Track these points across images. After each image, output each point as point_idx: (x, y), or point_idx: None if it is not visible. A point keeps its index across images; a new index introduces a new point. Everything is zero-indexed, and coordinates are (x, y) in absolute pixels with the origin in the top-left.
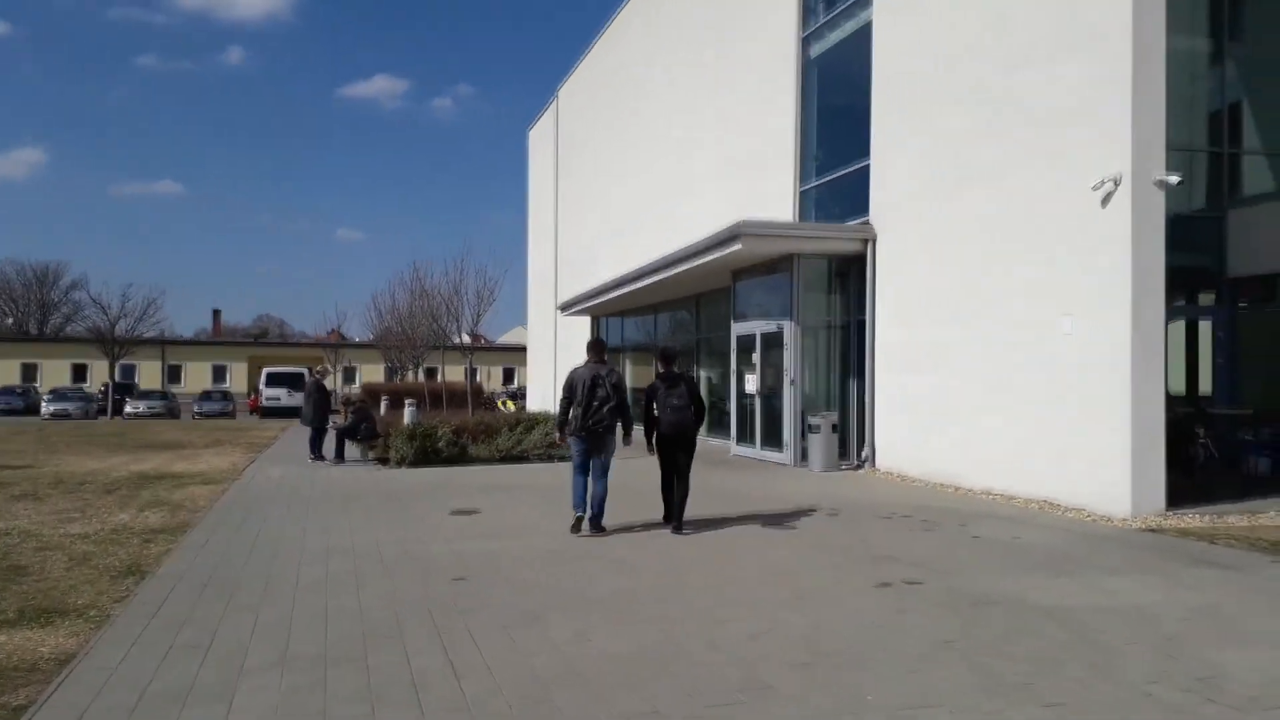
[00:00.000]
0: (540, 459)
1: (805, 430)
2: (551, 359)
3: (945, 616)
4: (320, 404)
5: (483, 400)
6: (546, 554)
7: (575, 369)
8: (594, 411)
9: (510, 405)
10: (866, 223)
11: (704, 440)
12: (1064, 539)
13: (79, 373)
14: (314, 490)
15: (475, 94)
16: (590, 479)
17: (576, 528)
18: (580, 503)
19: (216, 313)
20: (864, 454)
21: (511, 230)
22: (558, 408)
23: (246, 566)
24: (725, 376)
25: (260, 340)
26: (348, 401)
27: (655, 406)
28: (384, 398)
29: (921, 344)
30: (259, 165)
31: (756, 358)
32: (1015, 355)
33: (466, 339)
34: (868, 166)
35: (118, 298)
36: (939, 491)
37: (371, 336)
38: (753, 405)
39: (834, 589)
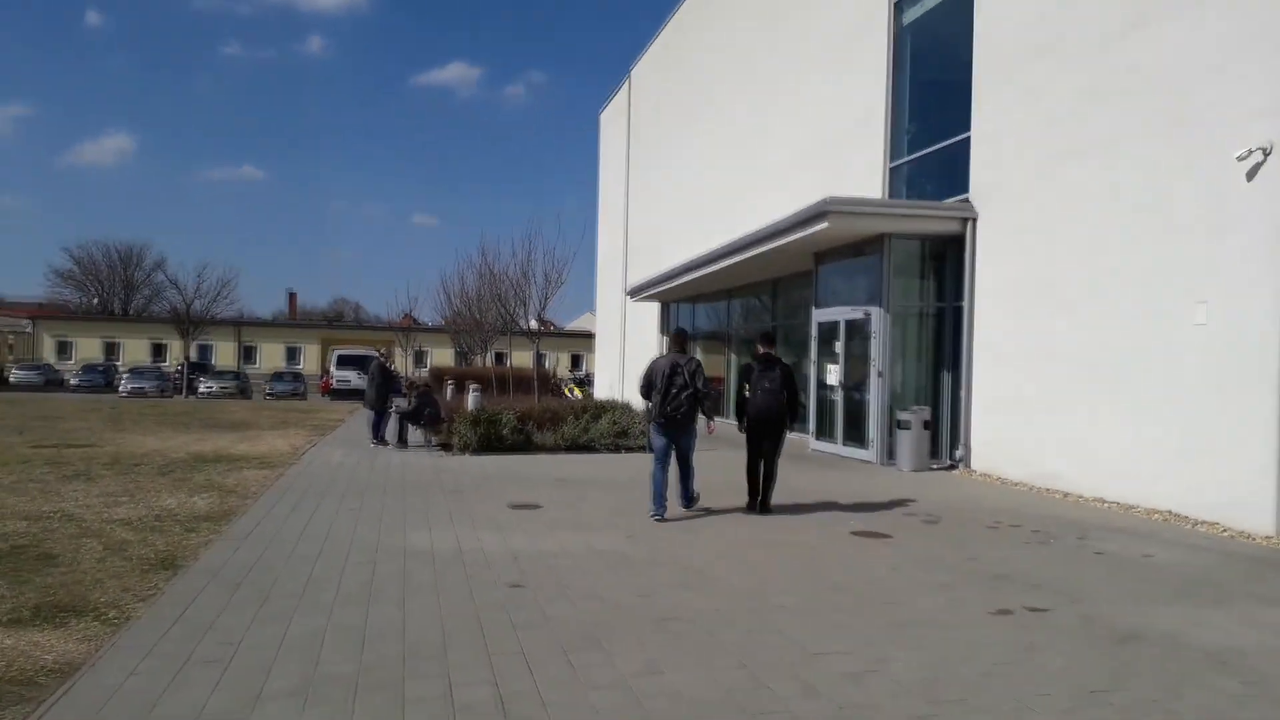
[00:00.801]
0: (608, 449)
1: (894, 426)
2: (620, 345)
3: (1085, 656)
4: (383, 387)
5: (550, 386)
6: (613, 558)
7: (656, 358)
8: (672, 399)
9: (578, 391)
10: (966, 201)
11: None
12: (1203, 559)
13: (158, 351)
14: (371, 477)
15: (548, 81)
16: (676, 467)
17: (661, 515)
18: (659, 501)
19: (292, 295)
20: (958, 453)
21: (581, 217)
22: (640, 396)
23: (287, 565)
24: (802, 366)
25: (334, 323)
26: (412, 385)
27: (748, 388)
28: (449, 381)
29: (1026, 334)
30: (337, 151)
31: (839, 346)
32: (1135, 347)
33: (534, 323)
34: (968, 140)
35: (193, 278)
36: (1044, 497)
37: (440, 320)
38: (834, 397)
39: (945, 616)
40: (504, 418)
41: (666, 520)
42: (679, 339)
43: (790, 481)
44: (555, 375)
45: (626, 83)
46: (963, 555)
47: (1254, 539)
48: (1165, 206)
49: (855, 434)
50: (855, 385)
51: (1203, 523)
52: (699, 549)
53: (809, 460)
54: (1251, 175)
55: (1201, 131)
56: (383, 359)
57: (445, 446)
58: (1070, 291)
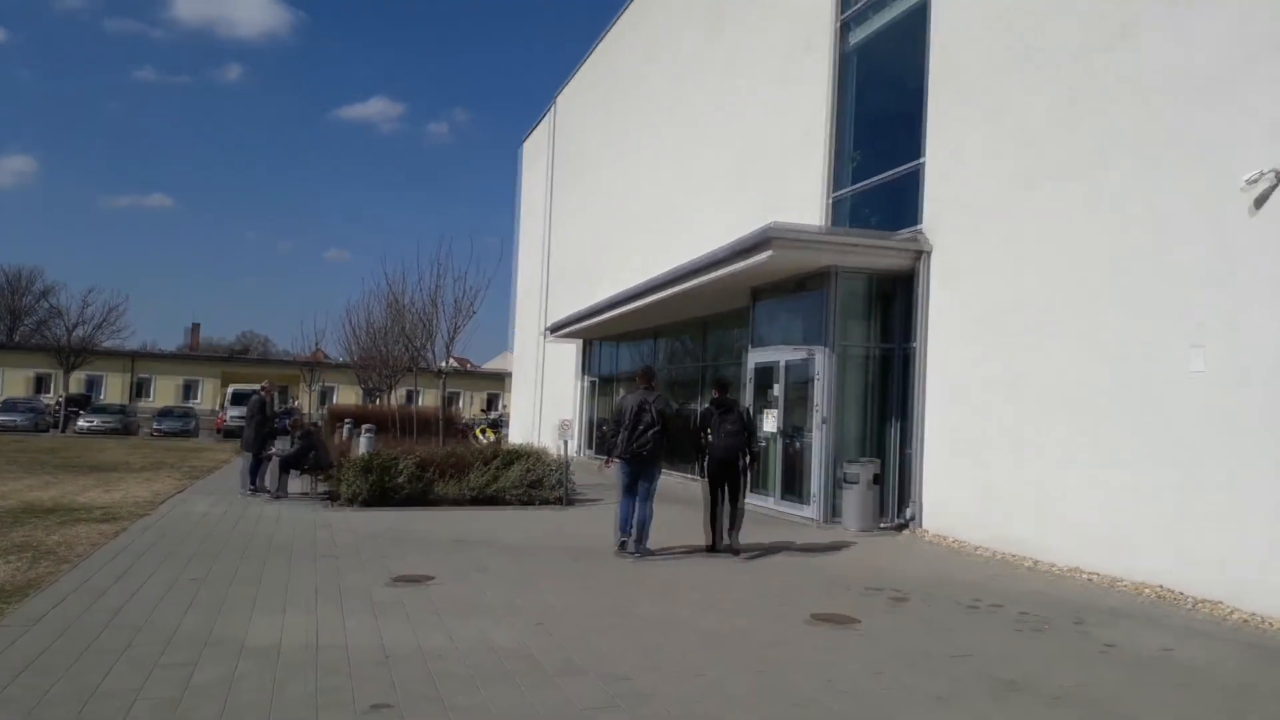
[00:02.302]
0: (518, 501)
1: (840, 481)
2: (537, 386)
3: None
4: (262, 427)
5: (459, 428)
6: (516, 661)
7: (624, 396)
8: (638, 436)
9: (489, 435)
10: (919, 233)
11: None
12: (1230, 656)
13: (40, 383)
14: (233, 535)
15: (472, 119)
16: (636, 502)
17: (622, 551)
18: (625, 527)
19: (194, 326)
20: (908, 512)
21: (500, 252)
22: (609, 432)
23: (73, 669)
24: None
25: (236, 357)
26: (295, 425)
27: (709, 432)
28: (346, 422)
29: (989, 380)
30: (251, 182)
31: (778, 391)
32: (1117, 396)
33: (442, 359)
34: (920, 167)
35: (78, 304)
36: (1012, 566)
37: (343, 357)
38: (770, 448)
39: None
40: (400, 465)
41: (581, 604)
42: (646, 376)
43: (726, 543)
44: (465, 417)
45: (551, 110)
46: (951, 649)
47: (1270, 625)
48: (1156, 237)
49: (794, 488)
50: (795, 434)
51: (1202, 602)
52: (628, 644)
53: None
54: (1261, 202)
55: (1200, 152)
56: (263, 395)
57: (332, 497)
58: (1040, 333)
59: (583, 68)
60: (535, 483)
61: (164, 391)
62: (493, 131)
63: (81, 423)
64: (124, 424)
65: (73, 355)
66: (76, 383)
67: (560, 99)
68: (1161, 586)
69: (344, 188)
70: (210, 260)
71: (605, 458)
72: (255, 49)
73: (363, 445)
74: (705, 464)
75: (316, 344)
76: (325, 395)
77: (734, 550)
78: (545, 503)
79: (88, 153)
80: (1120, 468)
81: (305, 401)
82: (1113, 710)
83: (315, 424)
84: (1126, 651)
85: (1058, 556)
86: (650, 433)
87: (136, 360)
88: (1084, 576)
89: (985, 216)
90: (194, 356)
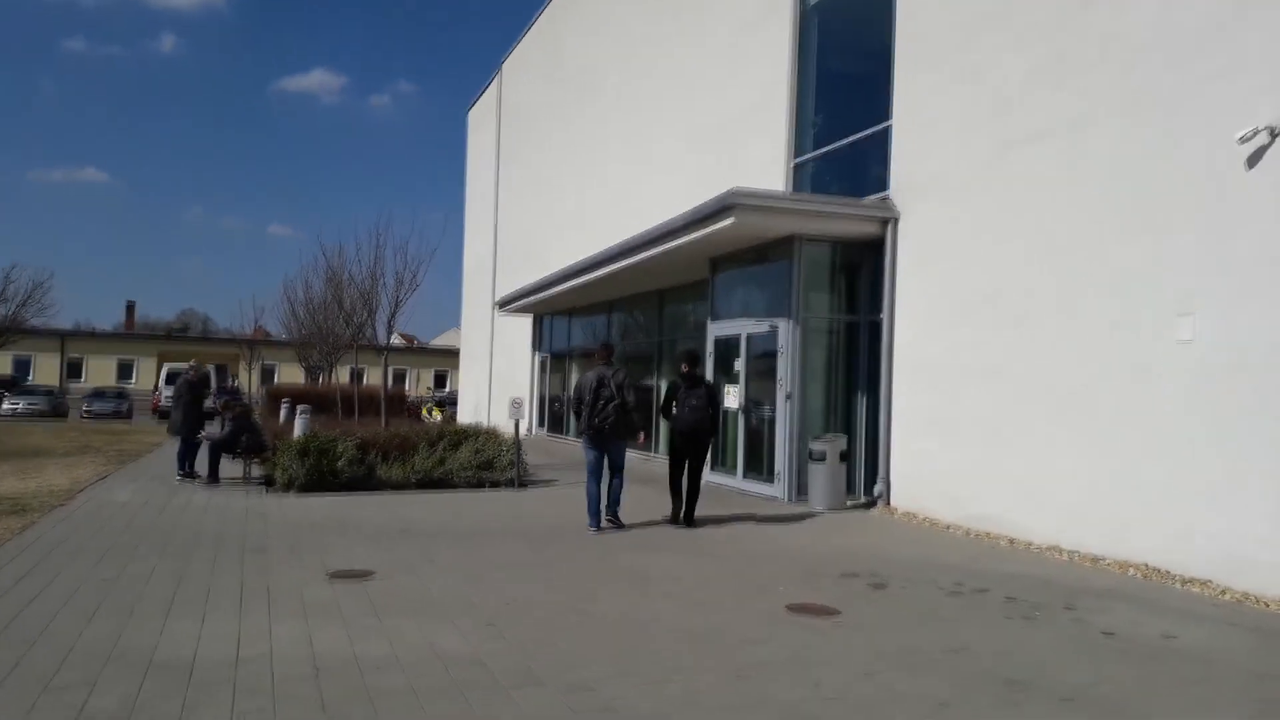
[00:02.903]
0: (468, 484)
1: (806, 457)
2: (487, 363)
3: None
4: (191, 408)
5: (405, 408)
6: (464, 669)
7: (585, 373)
8: (599, 411)
9: (437, 414)
10: (886, 199)
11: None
12: (1242, 640)
13: None
14: (156, 526)
15: (415, 91)
16: (608, 475)
17: (596, 527)
18: (595, 515)
19: (130, 305)
20: (877, 489)
21: (449, 230)
22: (572, 413)
23: None
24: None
25: (175, 335)
26: (226, 406)
27: (675, 405)
28: (285, 401)
29: (961, 350)
30: (189, 157)
31: (740, 365)
32: (1100, 367)
33: (385, 335)
34: (888, 130)
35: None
36: (989, 544)
37: (284, 334)
38: (733, 423)
39: None
40: (340, 447)
41: (546, 600)
42: (605, 352)
43: (690, 528)
44: (411, 396)
45: (497, 77)
46: (942, 643)
47: (1267, 605)
48: (1142, 200)
49: (758, 465)
50: (758, 409)
51: (1192, 580)
52: (591, 646)
53: (705, 495)
54: (1255, 160)
55: (1190, 111)
56: (191, 376)
57: (268, 482)
58: (1017, 302)
59: (530, 33)
60: (486, 464)
61: (100, 372)
62: (438, 103)
63: (5, 405)
64: (53, 406)
65: None
66: (3, 364)
67: (506, 66)
68: (1147, 565)
69: (286, 162)
70: (149, 237)
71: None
72: (190, 19)
73: (298, 427)
74: (670, 438)
75: (256, 321)
76: (268, 374)
77: (690, 524)
78: (497, 485)
79: (15, 126)
80: (1104, 444)
81: (246, 380)
82: (1133, 713)
83: (246, 405)
84: (1128, 640)
85: (1035, 534)
86: (610, 406)
87: (68, 340)
88: (1064, 555)
89: (957, 181)
90: (130, 335)
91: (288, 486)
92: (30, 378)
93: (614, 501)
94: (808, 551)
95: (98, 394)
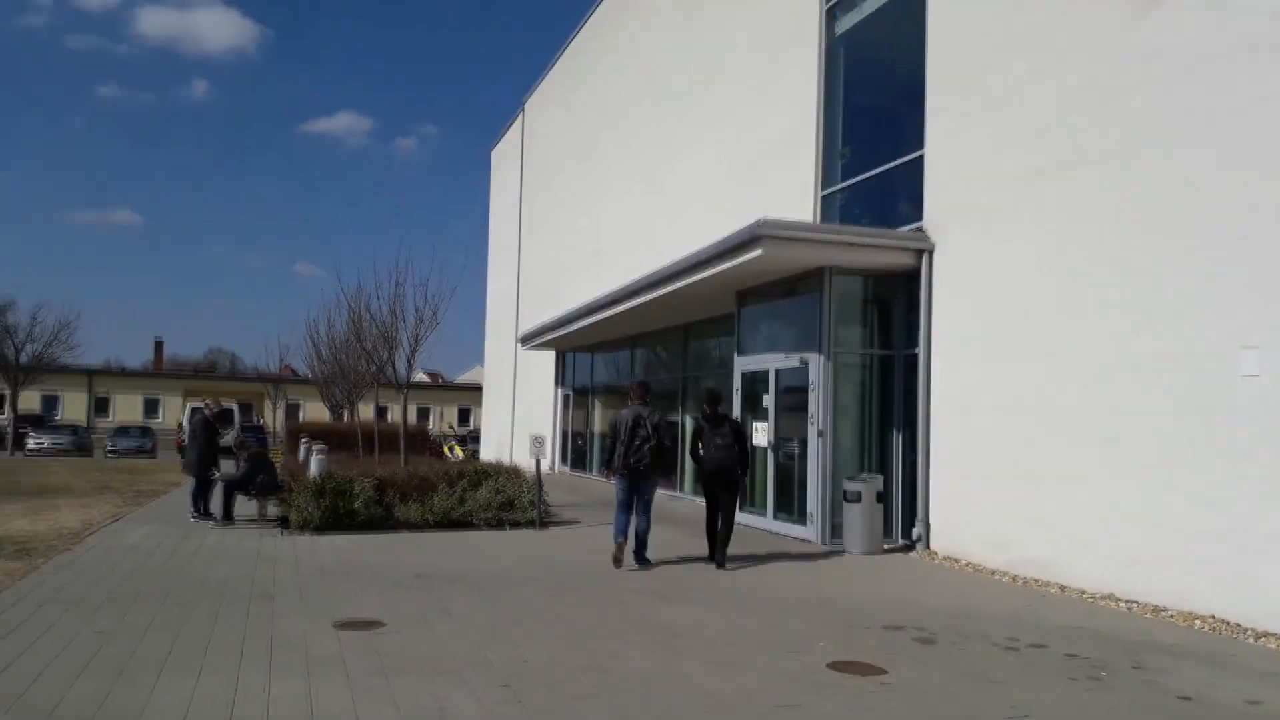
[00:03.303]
0: (488, 524)
1: (840, 498)
2: (510, 399)
3: None
4: (207, 447)
5: (427, 445)
6: None
7: (621, 410)
8: (635, 450)
9: (459, 451)
10: (920, 229)
11: (699, 501)
12: None
13: None
14: (163, 571)
15: (439, 134)
16: (634, 514)
17: (618, 558)
18: (622, 532)
19: (159, 343)
20: (915, 532)
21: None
22: (606, 448)
23: None
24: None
25: (201, 373)
26: (241, 445)
27: (701, 445)
28: (303, 439)
29: (1000, 385)
30: (219, 198)
31: (769, 401)
32: (1150, 402)
33: (406, 371)
34: (920, 159)
35: (26, 320)
36: (1037, 592)
37: (308, 372)
38: (762, 462)
39: None
40: (357, 486)
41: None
42: (641, 390)
43: (714, 574)
44: (436, 432)
45: (520, 116)
46: (1004, 708)
47: None
48: (1192, 226)
49: (788, 505)
50: (788, 446)
51: (1267, 635)
52: (617, 713)
53: (735, 537)
54: None
55: (1244, 132)
56: (208, 412)
57: (284, 522)
58: (1061, 334)
59: (552, 72)
60: (506, 504)
61: (126, 409)
62: (463, 145)
63: (31, 443)
64: (77, 444)
65: (22, 373)
66: (31, 401)
67: (529, 104)
68: (1214, 617)
69: (313, 203)
70: (178, 277)
71: (607, 470)
72: (221, 65)
73: (314, 466)
74: (701, 479)
75: (281, 359)
76: (293, 412)
77: (720, 564)
78: (518, 525)
79: (50, 170)
80: (1160, 486)
81: (270, 418)
82: None
83: (262, 444)
84: (1208, 706)
85: (1088, 581)
86: (646, 447)
87: (95, 378)
88: (1121, 605)
89: (993, 210)
90: (157, 374)
91: (303, 527)
92: (58, 415)
93: (641, 544)
94: (846, 600)
95: (122, 431)
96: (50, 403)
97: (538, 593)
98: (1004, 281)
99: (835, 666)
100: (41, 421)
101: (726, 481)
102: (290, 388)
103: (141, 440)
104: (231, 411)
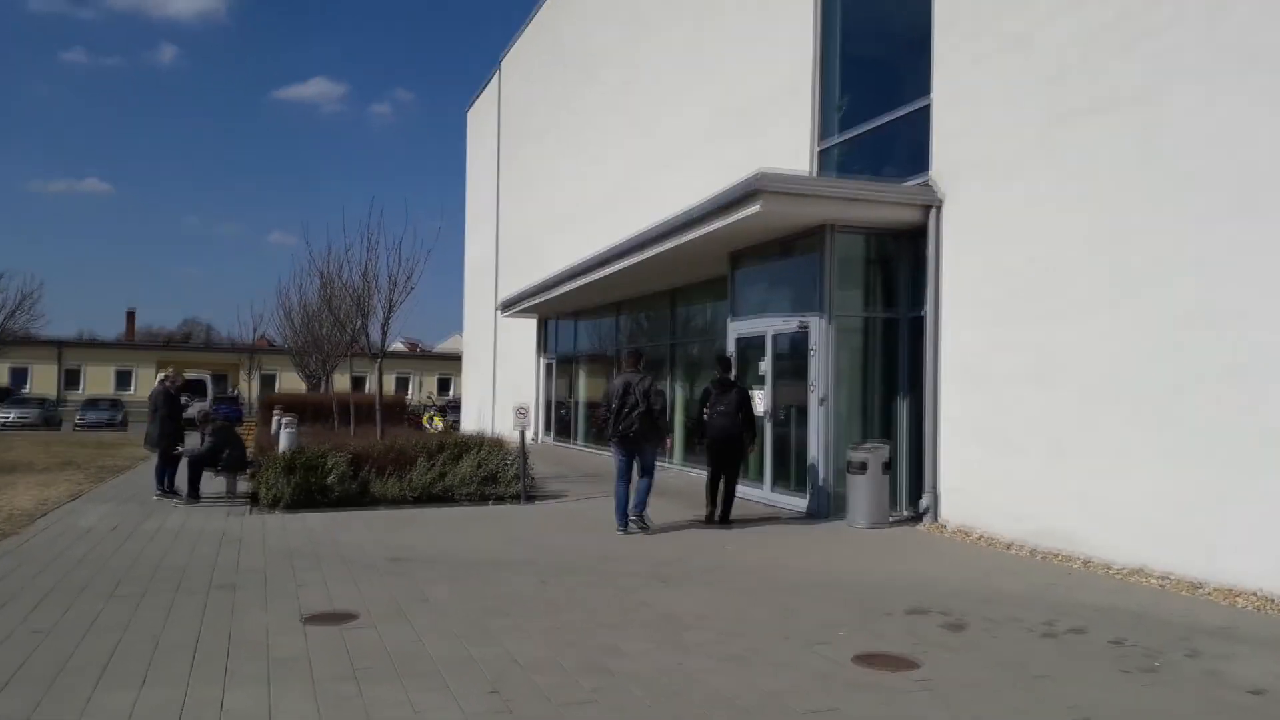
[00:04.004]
0: (470, 499)
1: (844, 468)
2: (490, 368)
3: None
4: (169, 421)
5: (405, 416)
6: None
7: (614, 378)
8: (623, 418)
9: (438, 422)
10: (928, 183)
11: (689, 473)
12: None
13: None
14: (113, 560)
15: (414, 100)
16: (635, 475)
17: (624, 528)
18: (622, 517)
19: (130, 313)
20: (923, 503)
21: (451, 233)
22: (600, 417)
23: None
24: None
25: (175, 344)
26: (206, 418)
27: (706, 411)
28: (276, 410)
29: (1017, 348)
30: (190, 165)
31: (765, 367)
32: (1182, 365)
33: (379, 338)
34: (927, 108)
35: None
36: (1061, 568)
37: (271, 340)
38: (759, 431)
39: None
40: (330, 461)
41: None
42: (633, 358)
43: (708, 544)
44: (415, 403)
45: (496, 74)
46: (1058, 708)
47: None
48: (1233, 175)
49: (786, 476)
50: (786, 415)
51: None
52: None
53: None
54: None
55: None
56: (167, 384)
57: (253, 498)
58: (1084, 292)
59: (530, 26)
60: (490, 477)
61: (98, 381)
62: (439, 111)
63: None
64: (45, 417)
65: None
66: None
67: (506, 62)
68: (1259, 594)
69: (286, 170)
70: (152, 246)
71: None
72: (189, 29)
73: (284, 440)
74: (705, 441)
75: (255, 328)
76: (268, 383)
77: (725, 524)
78: (502, 500)
79: (15, 137)
80: (1193, 453)
81: (246, 390)
82: None
83: (226, 418)
84: None
85: (1115, 554)
86: (635, 413)
87: (66, 349)
88: (1153, 581)
89: (1009, 161)
90: (129, 345)
91: (273, 505)
92: (27, 388)
93: (639, 503)
94: (860, 580)
95: (91, 404)
96: (19, 376)
97: (526, 577)
98: (1023, 236)
99: (862, 660)
100: (8, 394)
101: (731, 449)
102: (266, 358)
103: (111, 413)
104: (204, 382)
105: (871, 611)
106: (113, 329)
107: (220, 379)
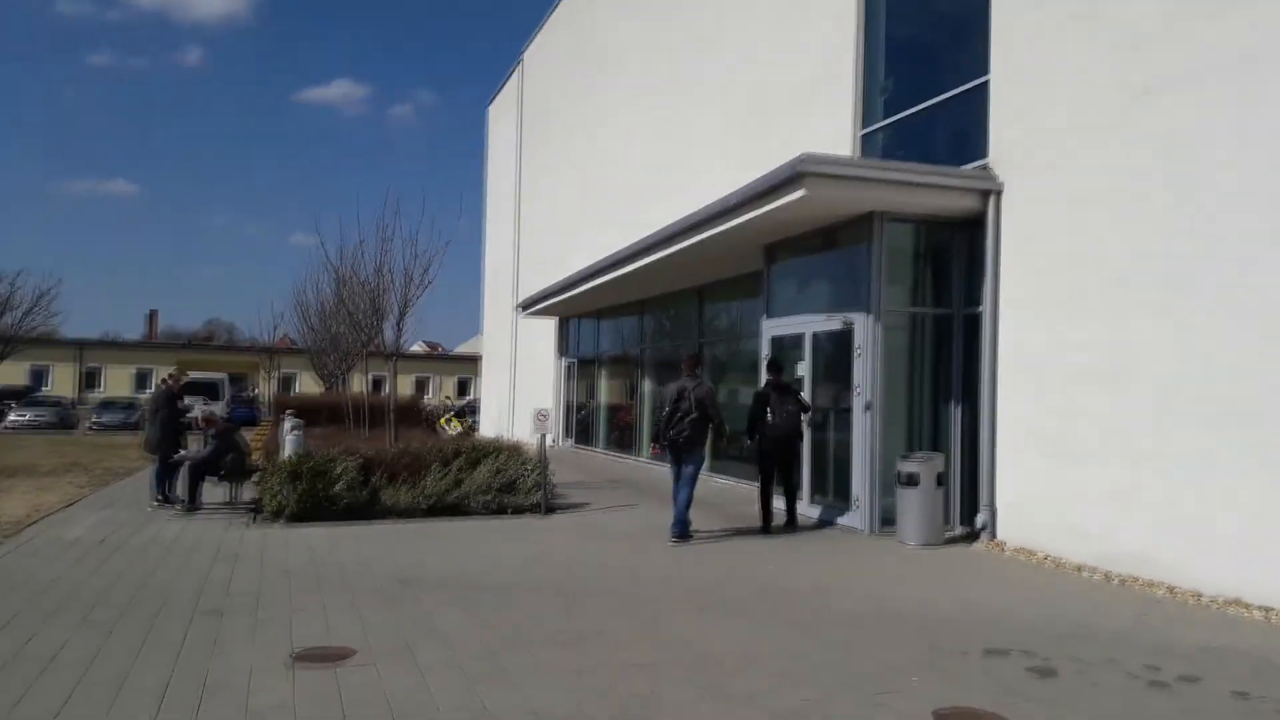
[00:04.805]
0: (486, 510)
1: (894, 480)
2: (510, 369)
3: None
4: (170, 424)
5: (422, 418)
6: None
7: (671, 382)
8: (675, 423)
9: (456, 425)
10: (986, 167)
11: (716, 481)
12: None
13: None
14: (93, 577)
15: (437, 101)
16: (677, 488)
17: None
18: (678, 524)
19: (152, 313)
20: (979, 519)
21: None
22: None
23: None
24: (745, 395)
25: (195, 344)
26: (208, 422)
27: (770, 412)
28: (285, 413)
29: (1085, 348)
30: (214, 167)
31: (804, 369)
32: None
33: (393, 336)
34: (984, 87)
35: (4, 288)
36: (1144, 595)
37: (293, 340)
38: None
39: None
40: (338, 467)
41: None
42: (691, 363)
43: (739, 563)
44: (429, 405)
45: (518, 68)
46: None
47: None
48: None
49: (825, 487)
50: (828, 421)
51: None
52: None
53: (770, 529)
54: None
55: None
56: (169, 385)
57: (256, 508)
58: (1162, 284)
59: (552, 18)
60: (507, 486)
61: (118, 382)
62: (461, 110)
63: (11, 417)
64: (60, 417)
65: (2, 344)
66: (18, 374)
67: (527, 55)
68: None
69: (309, 171)
70: (177, 248)
71: (654, 444)
72: (214, 32)
73: (289, 444)
74: (760, 444)
75: (275, 328)
76: (288, 384)
77: (794, 525)
78: (520, 511)
79: (43, 139)
80: None
81: (265, 390)
82: None
83: (229, 420)
84: None
85: (1204, 582)
86: (687, 420)
87: (85, 349)
88: (1255, 612)
89: (1078, 142)
90: (149, 345)
91: (276, 515)
92: (47, 388)
93: (678, 520)
94: (923, 611)
95: (107, 405)
96: (39, 375)
97: (547, 603)
98: (1096, 225)
99: (944, 717)
100: (25, 394)
101: (791, 448)
102: (285, 360)
103: (127, 414)
104: (219, 384)
105: (943, 651)
106: (136, 330)
107: (239, 380)
